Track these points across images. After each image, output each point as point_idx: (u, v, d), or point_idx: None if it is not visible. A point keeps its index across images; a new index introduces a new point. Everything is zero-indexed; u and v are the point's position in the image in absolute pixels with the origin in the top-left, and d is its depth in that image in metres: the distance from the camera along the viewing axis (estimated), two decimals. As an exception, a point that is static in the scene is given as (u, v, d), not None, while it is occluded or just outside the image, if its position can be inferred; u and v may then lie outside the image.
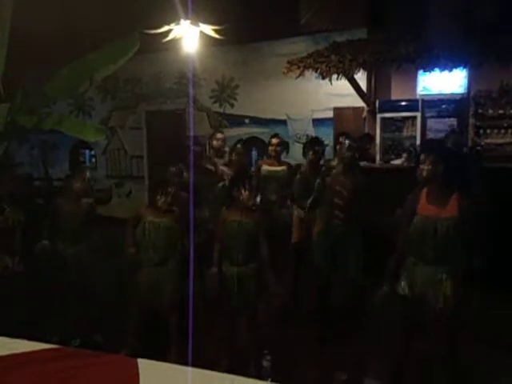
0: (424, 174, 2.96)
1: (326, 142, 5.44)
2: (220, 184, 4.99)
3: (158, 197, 3.72)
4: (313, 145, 4.83)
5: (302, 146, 7.31)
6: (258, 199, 4.99)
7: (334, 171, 4.12)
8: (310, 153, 4.74)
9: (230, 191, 3.58)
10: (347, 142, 4.15)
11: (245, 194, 3.48)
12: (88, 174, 4.25)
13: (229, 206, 3.60)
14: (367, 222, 4.08)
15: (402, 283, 3.04)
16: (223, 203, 3.82)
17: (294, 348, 3.99)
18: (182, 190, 4.48)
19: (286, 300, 4.70)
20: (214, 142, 5.42)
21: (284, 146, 5.25)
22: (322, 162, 4.95)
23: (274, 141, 5.19)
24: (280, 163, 5.15)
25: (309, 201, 4.34)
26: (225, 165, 5.24)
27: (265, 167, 5.19)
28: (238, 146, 5.22)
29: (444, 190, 2.94)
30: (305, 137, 8.05)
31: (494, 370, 3.53)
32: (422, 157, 3.00)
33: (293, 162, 5.39)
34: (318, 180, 4.21)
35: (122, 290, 3.97)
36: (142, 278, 3.74)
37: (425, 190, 3.02)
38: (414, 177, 3.06)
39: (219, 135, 5.50)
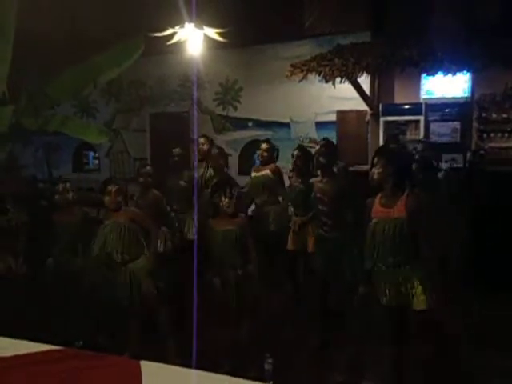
0: (375, 176, 3.05)
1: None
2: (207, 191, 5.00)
3: (105, 197, 3.70)
4: (305, 156, 4.75)
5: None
6: (253, 206, 5.04)
7: (314, 178, 4.15)
8: (301, 163, 4.70)
9: (211, 199, 3.58)
10: (317, 147, 4.13)
11: (225, 201, 3.46)
12: (67, 184, 4.18)
13: (214, 215, 3.59)
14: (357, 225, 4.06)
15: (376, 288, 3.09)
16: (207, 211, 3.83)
17: (292, 351, 3.98)
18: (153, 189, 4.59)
19: (283, 304, 4.71)
20: (200, 147, 5.41)
21: (273, 151, 5.17)
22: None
23: (263, 146, 5.15)
24: (264, 168, 5.11)
25: (309, 215, 4.40)
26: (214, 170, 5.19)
27: (252, 174, 5.20)
28: (214, 150, 5.12)
29: (394, 191, 3.02)
30: (307, 140, 8.06)
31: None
32: (375, 160, 3.08)
33: (279, 164, 5.31)
34: (312, 194, 4.21)
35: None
36: (112, 279, 3.73)
37: (379, 194, 3.10)
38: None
39: (201, 139, 5.48)
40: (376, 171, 3.04)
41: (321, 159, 4.01)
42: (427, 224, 3.01)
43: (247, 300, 3.50)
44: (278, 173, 5.10)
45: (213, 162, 5.11)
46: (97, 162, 10.12)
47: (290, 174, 4.95)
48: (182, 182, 5.07)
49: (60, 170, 9.77)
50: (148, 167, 4.74)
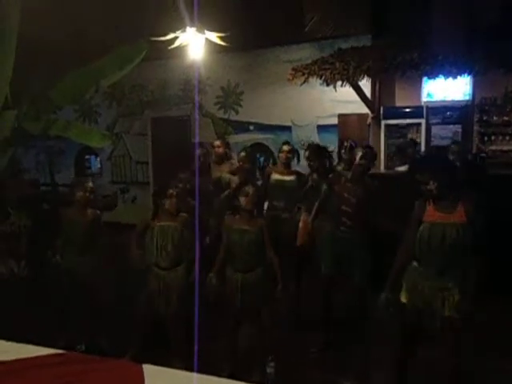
0: (434, 192, 2.97)
1: (330, 149, 5.37)
2: (226, 192, 4.99)
3: (166, 200, 3.70)
4: (317, 153, 4.74)
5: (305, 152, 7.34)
6: (265, 206, 5.01)
7: (343, 178, 4.09)
8: (316, 162, 4.67)
9: (233, 199, 3.60)
10: (361, 152, 4.06)
11: (242, 199, 3.49)
12: (91, 184, 4.22)
13: (233, 214, 3.61)
14: (375, 228, 4.05)
15: (405, 292, 3.06)
16: (227, 211, 3.83)
17: (297, 353, 3.98)
18: (189, 197, 4.51)
19: (290, 305, 4.70)
20: (215, 150, 5.42)
21: (294, 153, 5.14)
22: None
23: (286, 148, 5.07)
24: (289, 172, 5.04)
25: (315, 206, 4.33)
26: (231, 173, 5.19)
27: (274, 176, 5.07)
28: (242, 153, 5.10)
29: (451, 197, 2.98)
30: (309, 143, 8.07)
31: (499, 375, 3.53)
32: (422, 177, 2.99)
33: (302, 171, 5.29)
34: (324, 186, 4.19)
35: (127, 295, 3.97)
36: (151, 283, 3.73)
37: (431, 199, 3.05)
38: (418, 184, 3.08)
39: (217, 142, 5.48)
40: (433, 187, 2.95)
41: (369, 165, 4.02)
42: (481, 229, 2.97)
43: (261, 300, 3.51)
44: (303, 178, 5.00)
45: (238, 171, 5.05)
46: (99, 165, 10.13)
47: (308, 172, 4.89)
48: (210, 186, 5.01)
49: (62, 174, 9.81)
50: (185, 174, 4.59)
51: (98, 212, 4.26)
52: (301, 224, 4.65)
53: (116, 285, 4.10)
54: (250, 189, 3.53)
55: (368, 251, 3.99)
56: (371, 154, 4.07)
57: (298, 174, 5.04)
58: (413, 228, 3.05)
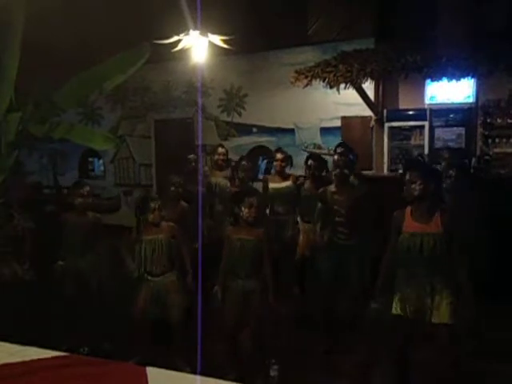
0: (416, 193, 2.98)
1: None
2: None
3: (149, 214, 3.74)
4: (307, 160, 4.86)
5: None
6: (267, 212, 5.03)
7: (330, 189, 4.07)
8: (307, 169, 4.76)
9: (232, 208, 3.60)
10: (335, 157, 4.07)
11: (245, 211, 3.49)
12: (87, 188, 4.23)
13: (233, 223, 3.61)
14: (372, 234, 4.03)
15: (395, 302, 3.05)
16: (227, 220, 3.84)
17: (298, 359, 3.96)
18: (182, 200, 4.50)
19: (290, 313, 4.69)
20: (216, 157, 5.44)
21: (288, 160, 5.17)
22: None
23: (279, 156, 5.12)
24: (284, 178, 5.08)
25: (318, 226, 4.32)
26: (228, 178, 5.22)
27: (271, 185, 5.13)
28: (243, 162, 5.08)
29: (429, 206, 3.00)
30: (312, 146, 8.07)
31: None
32: (411, 176, 3.01)
33: (297, 174, 5.29)
34: (319, 205, 4.16)
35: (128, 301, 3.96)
36: (144, 290, 3.76)
37: (409, 209, 3.07)
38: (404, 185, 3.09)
39: (220, 150, 5.52)
40: (417, 187, 2.96)
41: (345, 171, 3.95)
42: (461, 238, 2.99)
43: (257, 309, 3.50)
44: (298, 182, 5.07)
45: (239, 180, 5.07)
46: (102, 168, 10.16)
47: (302, 181, 4.93)
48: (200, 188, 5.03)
49: (66, 177, 9.83)
50: (178, 177, 4.61)
51: (98, 215, 4.28)
52: (301, 237, 4.66)
53: (119, 287, 4.10)
54: (254, 201, 3.52)
55: (368, 258, 3.94)
56: (344, 161, 3.98)
57: (293, 178, 5.07)
58: (393, 238, 3.09)
